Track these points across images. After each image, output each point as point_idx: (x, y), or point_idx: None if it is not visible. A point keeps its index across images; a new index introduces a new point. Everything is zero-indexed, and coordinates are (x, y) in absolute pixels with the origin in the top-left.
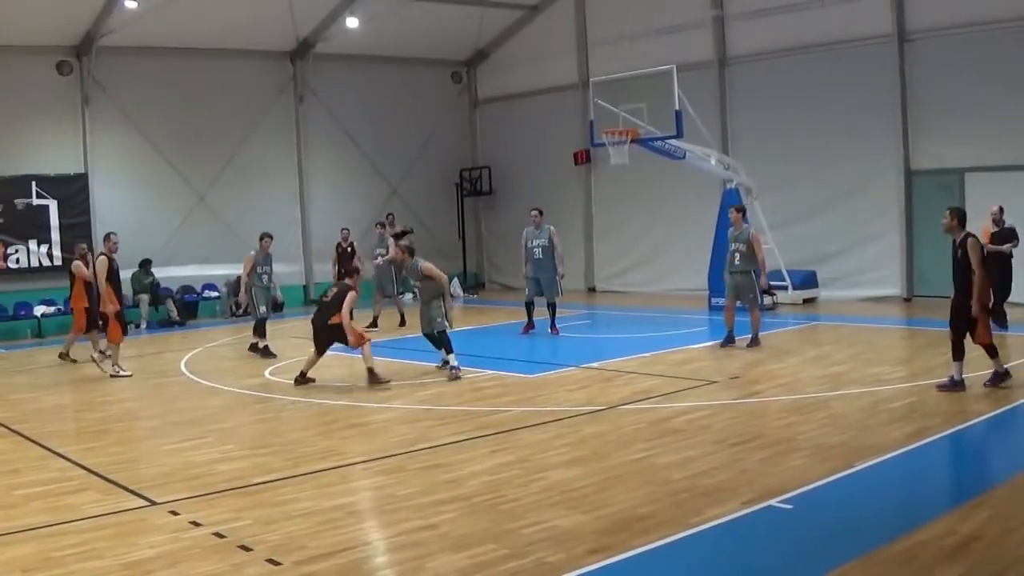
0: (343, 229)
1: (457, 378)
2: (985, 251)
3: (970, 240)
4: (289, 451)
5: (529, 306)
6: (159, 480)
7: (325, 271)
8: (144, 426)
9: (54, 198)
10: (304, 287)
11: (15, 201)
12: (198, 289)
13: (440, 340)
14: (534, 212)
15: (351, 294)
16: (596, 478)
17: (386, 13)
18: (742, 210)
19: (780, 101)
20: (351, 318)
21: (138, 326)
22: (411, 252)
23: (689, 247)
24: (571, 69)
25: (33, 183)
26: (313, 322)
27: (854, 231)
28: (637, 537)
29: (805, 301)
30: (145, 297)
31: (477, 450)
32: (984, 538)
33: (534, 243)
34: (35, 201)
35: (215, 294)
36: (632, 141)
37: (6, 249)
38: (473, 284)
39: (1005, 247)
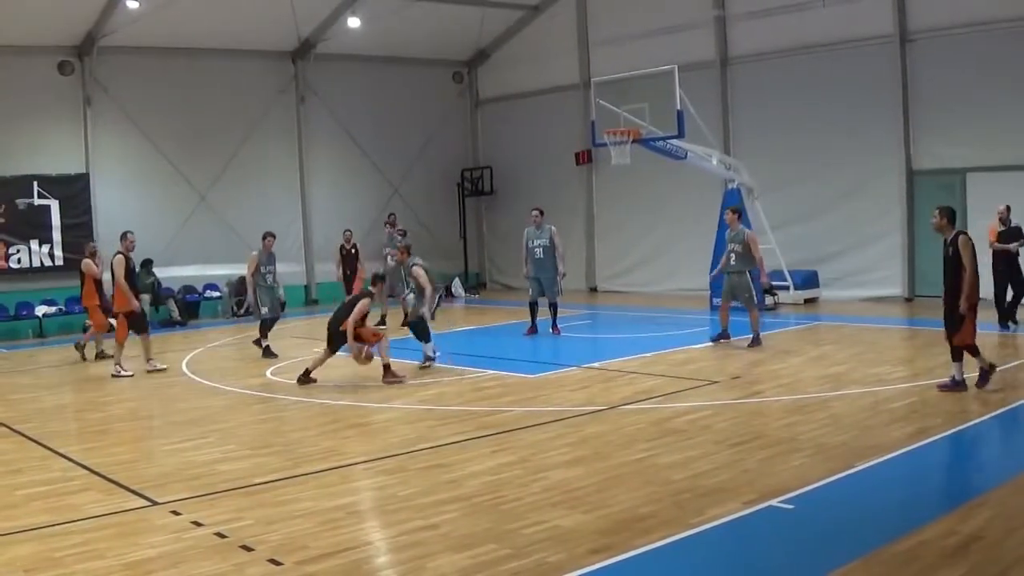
0: (346, 231)
1: (432, 360)
2: (992, 249)
3: (961, 238)
4: (290, 451)
5: (533, 306)
6: (160, 480)
7: (326, 271)
8: (145, 426)
9: (55, 198)
10: (305, 287)
11: (16, 201)
12: (199, 289)
13: (419, 329)
14: (535, 212)
15: (363, 302)
16: (597, 478)
17: (387, 13)
18: (738, 211)
19: (782, 101)
20: (361, 324)
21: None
22: (408, 251)
23: (690, 247)
24: (572, 69)
25: (35, 183)
26: (328, 326)
27: (855, 231)
28: (638, 537)
29: (806, 301)
30: (146, 297)
31: (478, 450)
32: (985, 538)
33: (535, 243)
34: (37, 201)
35: (216, 294)
36: (634, 141)
37: (8, 249)
38: (474, 284)
39: (1012, 246)
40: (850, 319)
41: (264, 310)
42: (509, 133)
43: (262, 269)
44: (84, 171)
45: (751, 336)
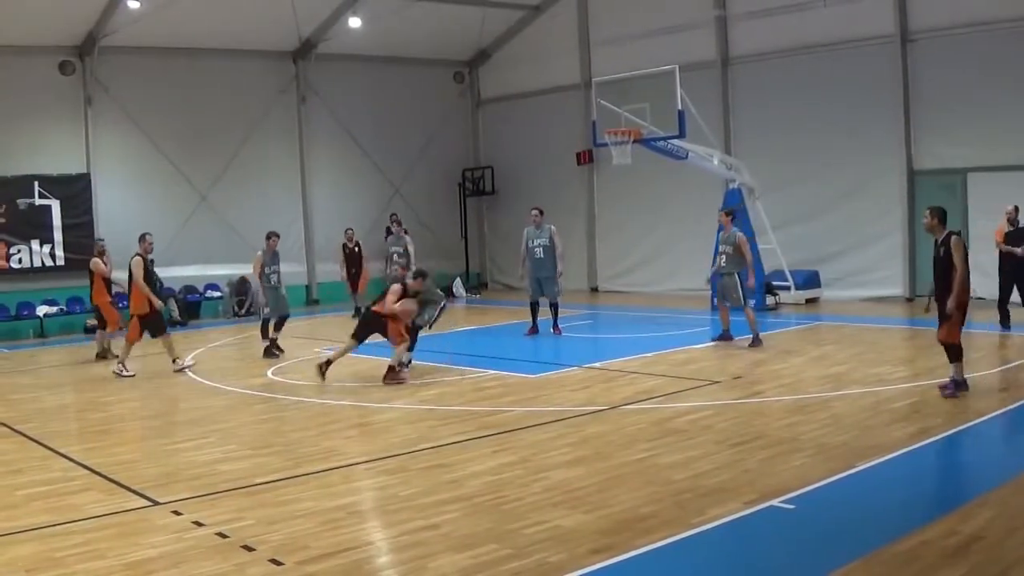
0: (347, 229)
1: (404, 366)
2: (999, 251)
3: (953, 238)
4: (291, 451)
5: (534, 306)
6: (161, 480)
7: (327, 271)
8: (146, 426)
9: (56, 198)
10: (307, 287)
11: (17, 201)
12: (200, 289)
13: (412, 333)
14: (534, 212)
15: (395, 287)
16: (598, 478)
17: (388, 13)
18: (731, 213)
19: (782, 101)
20: (395, 317)
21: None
22: (423, 276)
23: (691, 247)
24: (573, 69)
25: (36, 183)
26: (363, 313)
27: (856, 231)
28: (639, 537)
29: (807, 301)
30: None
31: (479, 450)
32: (986, 538)
33: (535, 243)
34: (37, 201)
35: (217, 294)
36: (635, 141)
37: (9, 249)
38: (475, 284)
39: (1018, 250)
40: (851, 319)
41: (266, 311)
42: (510, 133)
43: (267, 269)
44: (85, 171)
45: (751, 336)
